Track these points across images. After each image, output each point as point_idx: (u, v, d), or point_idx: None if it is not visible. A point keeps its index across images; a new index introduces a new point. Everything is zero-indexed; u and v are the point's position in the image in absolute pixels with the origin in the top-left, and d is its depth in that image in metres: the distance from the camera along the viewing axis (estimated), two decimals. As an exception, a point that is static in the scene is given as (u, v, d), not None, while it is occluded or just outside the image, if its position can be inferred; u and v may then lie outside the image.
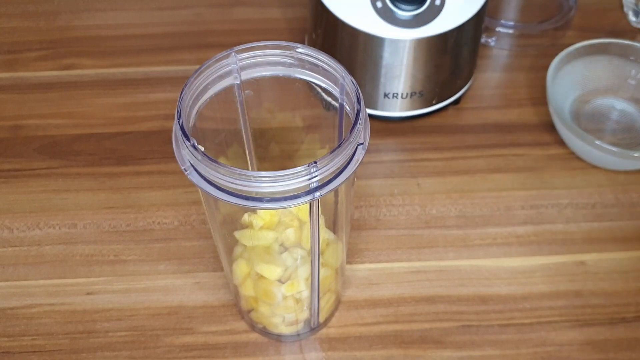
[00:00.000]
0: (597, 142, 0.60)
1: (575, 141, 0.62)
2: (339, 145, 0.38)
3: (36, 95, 0.70)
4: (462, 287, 0.57)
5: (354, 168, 0.39)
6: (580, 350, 0.54)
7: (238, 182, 0.37)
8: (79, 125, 0.67)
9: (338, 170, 0.39)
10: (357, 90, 0.41)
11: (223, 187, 0.38)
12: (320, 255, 0.45)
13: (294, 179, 0.37)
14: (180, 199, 0.62)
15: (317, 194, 0.38)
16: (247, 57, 0.44)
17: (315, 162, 0.37)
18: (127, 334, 0.54)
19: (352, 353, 0.53)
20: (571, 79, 0.68)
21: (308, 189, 0.38)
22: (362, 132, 0.40)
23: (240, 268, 0.49)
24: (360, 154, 0.40)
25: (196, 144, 0.38)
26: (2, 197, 0.62)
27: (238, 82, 0.44)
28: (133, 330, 0.54)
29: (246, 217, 0.46)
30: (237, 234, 0.47)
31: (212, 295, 0.56)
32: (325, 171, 0.38)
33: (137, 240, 0.59)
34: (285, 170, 0.37)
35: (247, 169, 0.44)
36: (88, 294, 0.56)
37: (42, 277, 0.57)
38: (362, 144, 0.40)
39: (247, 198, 0.38)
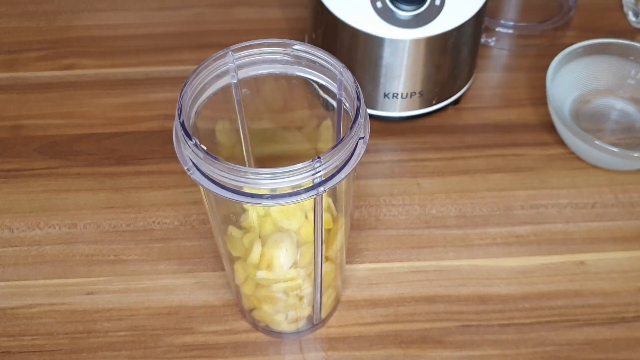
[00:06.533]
0: (597, 142, 0.60)
1: (575, 141, 0.62)
2: (342, 140, 0.38)
3: (36, 95, 0.70)
4: (462, 287, 0.57)
5: (356, 162, 0.40)
6: (579, 350, 0.54)
7: (242, 179, 0.38)
8: (79, 125, 0.67)
9: (340, 165, 0.39)
10: (356, 83, 0.41)
11: (226, 185, 0.39)
12: (323, 245, 0.45)
13: (298, 174, 0.37)
14: (180, 199, 0.62)
15: (321, 189, 0.39)
16: (244, 56, 0.44)
17: (319, 158, 0.38)
18: (127, 333, 0.54)
19: (352, 353, 0.53)
20: (571, 79, 0.68)
21: (312, 184, 0.38)
22: (363, 127, 0.41)
23: (242, 267, 0.49)
24: (361, 148, 0.40)
25: (198, 143, 0.38)
26: (2, 197, 0.62)
27: (235, 81, 0.44)
28: (133, 330, 0.54)
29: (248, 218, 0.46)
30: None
31: (212, 294, 0.56)
32: (329, 166, 0.38)
33: (137, 240, 0.59)
34: (289, 167, 0.37)
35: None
36: (88, 293, 0.56)
37: (42, 277, 0.57)
38: (362, 137, 0.40)
39: (251, 195, 0.38)
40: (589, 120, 0.67)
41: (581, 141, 0.62)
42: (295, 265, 0.47)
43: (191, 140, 0.38)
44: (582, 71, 0.68)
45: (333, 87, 0.44)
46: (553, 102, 0.64)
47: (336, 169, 0.39)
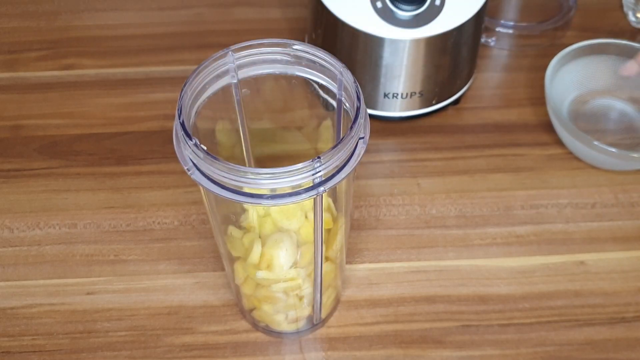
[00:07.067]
0: (595, 142, 0.60)
1: (574, 142, 0.62)
2: (342, 140, 0.38)
3: (36, 95, 0.70)
4: (462, 287, 0.57)
5: (356, 162, 0.40)
6: (579, 350, 0.54)
7: (242, 179, 0.38)
8: (79, 125, 0.67)
9: (340, 165, 0.39)
10: (356, 83, 0.41)
11: (226, 185, 0.39)
12: (323, 245, 0.45)
13: (299, 174, 0.38)
14: (180, 199, 0.62)
15: (321, 188, 0.39)
16: (244, 56, 0.44)
17: (319, 157, 0.38)
18: (127, 333, 0.54)
19: (352, 353, 0.53)
20: (570, 79, 0.68)
21: (312, 184, 0.38)
22: (363, 127, 0.41)
23: (242, 267, 0.49)
24: (361, 148, 0.40)
25: (198, 143, 0.38)
26: (2, 197, 0.62)
27: (235, 81, 0.45)
28: (133, 330, 0.54)
29: (248, 218, 0.46)
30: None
31: (212, 294, 0.56)
32: (329, 166, 0.38)
33: (137, 240, 0.59)
34: (289, 167, 0.37)
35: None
36: (88, 293, 0.56)
37: (42, 277, 0.57)
38: (362, 137, 0.40)
39: (251, 195, 0.38)
40: (588, 120, 0.67)
41: (579, 142, 0.62)
42: (295, 265, 0.47)
43: (191, 140, 0.38)
44: (581, 71, 0.68)
45: (333, 87, 0.44)
46: (552, 102, 0.64)
47: (336, 169, 0.39)
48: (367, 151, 0.41)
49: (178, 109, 0.40)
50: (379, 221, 0.61)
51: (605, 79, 0.69)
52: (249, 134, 0.50)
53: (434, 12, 0.59)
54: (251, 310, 0.53)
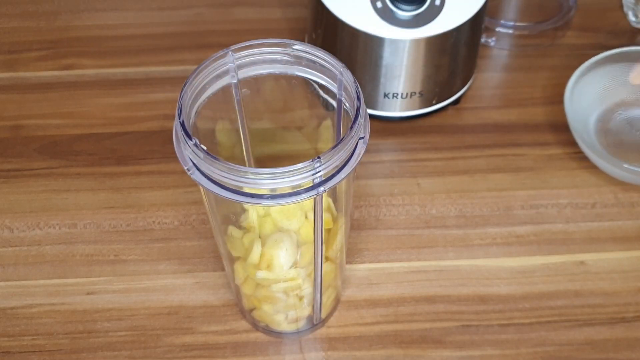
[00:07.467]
0: (626, 165, 0.59)
1: (602, 163, 0.61)
2: (342, 140, 0.39)
3: (36, 95, 0.70)
4: (462, 287, 0.57)
5: (356, 162, 0.40)
6: (579, 350, 0.54)
7: (242, 179, 0.38)
8: (79, 125, 0.67)
9: (340, 165, 0.39)
10: (356, 83, 0.41)
11: (226, 185, 0.39)
12: (323, 245, 0.45)
13: (298, 174, 0.38)
14: (180, 199, 0.62)
15: (321, 189, 0.39)
16: (244, 56, 0.44)
17: (319, 157, 0.38)
18: (127, 333, 0.54)
19: (352, 353, 0.53)
20: (591, 92, 0.66)
21: (312, 184, 0.38)
22: (363, 127, 0.41)
23: (242, 267, 0.49)
24: (361, 148, 0.40)
25: (198, 143, 0.38)
26: (2, 197, 0.62)
27: (235, 81, 0.45)
28: (133, 330, 0.54)
29: (249, 218, 0.46)
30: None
31: (212, 294, 0.56)
32: (329, 166, 0.38)
33: (137, 240, 0.59)
34: (289, 167, 0.37)
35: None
36: (88, 293, 0.56)
37: (42, 277, 0.57)
38: (362, 137, 0.40)
39: (251, 195, 0.38)
40: (612, 133, 0.66)
41: (610, 165, 0.61)
42: (295, 265, 0.47)
43: (191, 140, 0.38)
44: (602, 83, 0.66)
45: (333, 87, 0.44)
46: (574, 123, 0.62)
47: (336, 169, 0.39)
48: (367, 151, 0.41)
49: (178, 109, 0.40)
50: (379, 221, 0.61)
51: (627, 87, 0.67)
52: (249, 134, 0.50)
53: (434, 12, 0.59)
54: (251, 310, 0.53)
